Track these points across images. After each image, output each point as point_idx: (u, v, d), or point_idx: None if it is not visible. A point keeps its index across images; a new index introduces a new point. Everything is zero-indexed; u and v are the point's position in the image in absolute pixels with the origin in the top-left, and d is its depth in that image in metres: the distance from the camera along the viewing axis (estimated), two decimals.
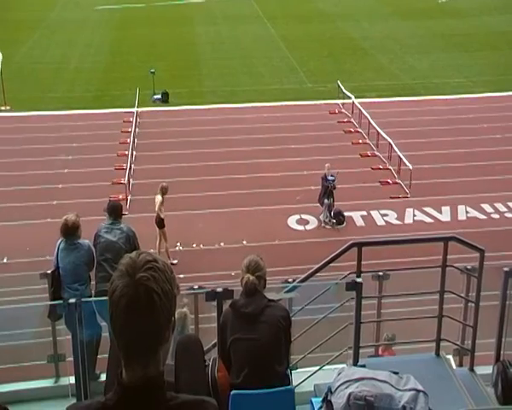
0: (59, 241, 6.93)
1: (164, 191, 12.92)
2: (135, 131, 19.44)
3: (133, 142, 18.48)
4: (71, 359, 4.82)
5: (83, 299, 5.18)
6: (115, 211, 7.46)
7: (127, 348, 1.77)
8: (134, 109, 20.78)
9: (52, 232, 7.65)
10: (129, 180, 16.26)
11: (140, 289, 1.73)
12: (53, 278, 6.72)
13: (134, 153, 18.01)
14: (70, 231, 6.79)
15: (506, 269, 5.08)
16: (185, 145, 18.54)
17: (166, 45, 29.85)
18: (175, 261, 12.49)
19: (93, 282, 7.11)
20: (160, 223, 12.83)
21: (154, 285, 1.73)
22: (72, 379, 4.91)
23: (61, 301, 5.75)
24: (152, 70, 22.91)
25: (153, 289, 1.73)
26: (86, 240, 7.03)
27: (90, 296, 6.74)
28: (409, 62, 27.36)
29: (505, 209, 15.27)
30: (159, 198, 12.85)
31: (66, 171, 17.20)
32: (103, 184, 16.01)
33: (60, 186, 16.36)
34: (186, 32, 32.39)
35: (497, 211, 15.21)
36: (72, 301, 4.81)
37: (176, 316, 1.84)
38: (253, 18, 35.52)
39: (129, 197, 15.61)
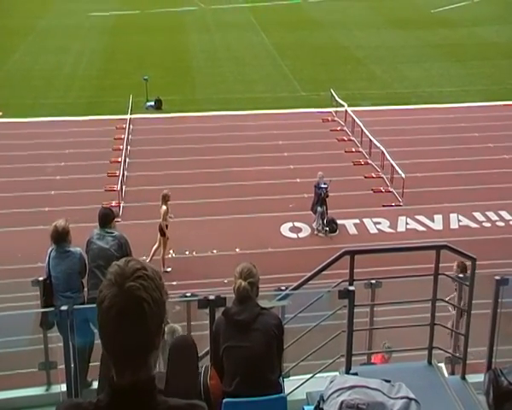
0: (50, 249, 6.89)
1: (167, 199, 12.94)
2: (128, 138, 19.42)
3: (126, 149, 18.46)
4: (62, 366, 4.79)
5: (75, 306, 5.16)
6: (107, 218, 7.43)
7: (117, 355, 1.77)
8: (127, 116, 20.77)
9: (44, 239, 7.60)
10: (122, 187, 16.23)
11: (130, 299, 1.71)
12: (45, 287, 6.67)
13: (127, 160, 17.99)
14: (61, 237, 6.75)
15: (497, 278, 5.10)
16: (178, 152, 18.54)
17: (160, 52, 29.88)
18: (169, 269, 12.47)
19: (85, 289, 7.08)
20: (165, 230, 12.85)
21: (143, 294, 1.72)
22: (63, 387, 4.88)
23: (53, 309, 5.71)
24: (145, 77, 22.92)
25: (143, 298, 1.72)
26: (78, 248, 6.99)
27: (83, 303, 6.70)
28: (401, 71, 27.52)
29: (497, 218, 15.36)
30: (163, 208, 12.84)
31: (58, 177, 17.15)
32: (96, 190, 15.97)
33: (52, 193, 16.30)
34: (179, 40, 32.46)
35: (488, 220, 15.29)
36: (64, 308, 4.79)
37: (166, 331, 1.83)
38: (246, 26, 35.64)
39: (122, 204, 15.58)
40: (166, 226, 12.85)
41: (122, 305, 1.71)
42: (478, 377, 5.22)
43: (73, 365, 4.67)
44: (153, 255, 12.63)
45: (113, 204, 14.68)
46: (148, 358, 1.79)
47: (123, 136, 19.34)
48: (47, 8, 39.28)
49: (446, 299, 5.70)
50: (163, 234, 12.83)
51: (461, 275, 6.29)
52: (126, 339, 1.73)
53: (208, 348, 4.71)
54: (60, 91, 24.69)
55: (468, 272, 5.27)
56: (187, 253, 13.68)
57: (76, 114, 21.91)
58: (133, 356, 1.76)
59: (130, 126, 20.42)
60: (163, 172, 17.16)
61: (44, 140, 19.54)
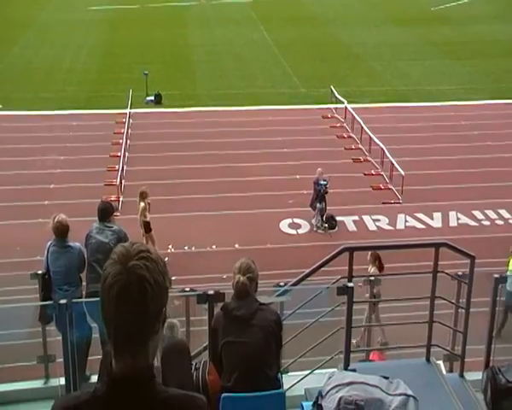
0: (49, 243, 6.88)
1: (144, 196, 12.87)
2: (127, 132, 19.39)
3: (126, 143, 18.43)
4: (61, 360, 4.80)
5: (73, 300, 5.16)
6: (106, 212, 7.42)
7: (117, 336, 1.76)
8: (127, 110, 20.74)
9: (43, 232, 7.60)
10: (121, 181, 16.21)
11: (132, 277, 1.73)
12: (43, 281, 6.67)
13: (126, 154, 17.96)
14: (63, 232, 6.76)
15: (496, 276, 5.11)
16: (178, 147, 18.52)
17: (160, 47, 29.82)
18: (166, 259, 12.42)
19: (84, 283, 7.07)
20: (147, 227, 12.82)
21: (146, 274, 1.74)
22: (62, 380, 4.88)
23: (51, 302, 5.71)
24: (145, 72, 22.88)
25: (145, 277, 1.73)
26: (77, 243, 6.98)
27: (81, 298, 6.70)
28: (401, 69, 27.49)
29: (496, 216, 15.36)
30: (141, 205, 12.81)
31: (58, 171, 17.13)
32: (95, 184, 15.95)
33: (51, 186, 16.29)
34: (180, 34, 32.39)
35: (487, 218, 15.29)
36: (62, 301, 4.79)
37: (165, 326, 1.83)
38: (246, 21, 35.57)
39: (121, 198, 15.56)
40: (145, 223, 12.79)
41: (124, 282, 1.72)
42: (476, 375, 5.24)
43: (72, 358, 4.68)
44: None
45: (113, 198, 14.66)
46: (148, 343, 1.78)
47: (122, 130, 19.30)
48: (47, 2, 39.18)
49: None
50: (148, 230, 12.79)
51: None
52: (126, 318, 1.73)
53: (207, 343, 4.72)
54: (60, 85, 24.64)
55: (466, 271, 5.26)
56: (186, 248, 13.68)
57: (76, 107, 21.87)
58: (133, 338, 1.76)
59: (130, 121, 20.39)
60: (163, 167, 17.15)
61: (44, 134, 19.52)
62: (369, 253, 8.89)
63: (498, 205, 15.73)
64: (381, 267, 9.55)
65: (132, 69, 25.62)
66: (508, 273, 10.36)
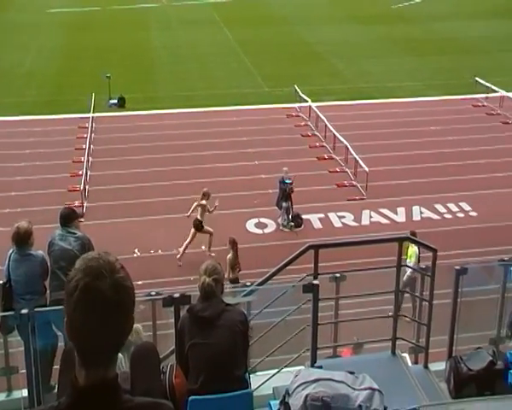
0: (10, 251, 6.72)
1: (207, 196, 13.44)
2: (91, 136, 19.12)
3: (89, 148, 18.17)
4: (24, 371, 4.70)
5: (36, 309, 5.04)
6: (68, 218, 7.28)
7: (96, 349, 1.70)
8: (90, 115, 20.44)
9: (4, 241, 7.43)
10: (85, 187, 15.98)
11: (119, 289, 1.68)
12: (4, 291, 6.51)
13: (90, 159, 17.71)
14: (22, 240, 6.60)
15: (457, 268, 5.21)
16: (142, 151, 18.35)
17: (122, 50, 29.50)
18: (180, 263, 12.98)
19: (47, 291, 6.93)
20: (198, 226, 13.28)
21: (129, 284, 1.71)
22: (25, 392, 4.77)
23: (12, 313, 5.58)
24: (107, 75, 22.60)
25: (130, 288, 1.71)
26: (40, 251, 6.83)
27: (45, 306, 6.57)
28: (363, 66, 27.82)
29: (457, 209, 15.70)
30: (202, 203, 13.28)
31: (18, 178, 16.78)
32: (58, 191, 15.69)
33: (12, 194, 15.95)
34: (142, 37, 32.10)
35: (449, 211, 15.62)
36: (24, 311, 4.69)
37: None
38: (209, 22, 35.47)
39: (85, 204, 15.34)
40: (199, 221, 13.28)
41: (111, 295, 1.66)
42: (440, 366, 5.33)
43: (35, 369, 4.58)
44: (184, 250, 13.03)
45: (76, 204, 14.44)
46: (118, 352, 1.76)
47: (85, 135, 19.03)
48: (5, 4, 38.33)
49: None
50: (200, 228, 13.20)
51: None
52: (111, 330, 1.67)
53: (173, 346, 4.68)
54: (19, 90, 24.14)
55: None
56: (152, 251, 13.57)
57: (36, 113, 21.46)
58: (111, 349, 1.72)
59: (93, 125, 20.11)
60: (127, 171, 16.98)
61: (4, 140, 19.09)
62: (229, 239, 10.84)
63: (459, 198, 16.08)
64: (236, 254, 11.12)
65: (94, 72, 25.26)
66: (407, 261, 10.67)
